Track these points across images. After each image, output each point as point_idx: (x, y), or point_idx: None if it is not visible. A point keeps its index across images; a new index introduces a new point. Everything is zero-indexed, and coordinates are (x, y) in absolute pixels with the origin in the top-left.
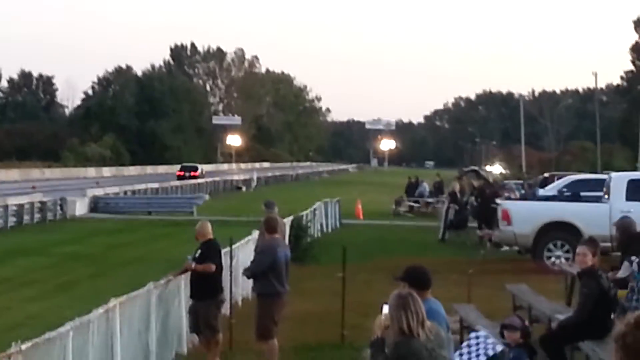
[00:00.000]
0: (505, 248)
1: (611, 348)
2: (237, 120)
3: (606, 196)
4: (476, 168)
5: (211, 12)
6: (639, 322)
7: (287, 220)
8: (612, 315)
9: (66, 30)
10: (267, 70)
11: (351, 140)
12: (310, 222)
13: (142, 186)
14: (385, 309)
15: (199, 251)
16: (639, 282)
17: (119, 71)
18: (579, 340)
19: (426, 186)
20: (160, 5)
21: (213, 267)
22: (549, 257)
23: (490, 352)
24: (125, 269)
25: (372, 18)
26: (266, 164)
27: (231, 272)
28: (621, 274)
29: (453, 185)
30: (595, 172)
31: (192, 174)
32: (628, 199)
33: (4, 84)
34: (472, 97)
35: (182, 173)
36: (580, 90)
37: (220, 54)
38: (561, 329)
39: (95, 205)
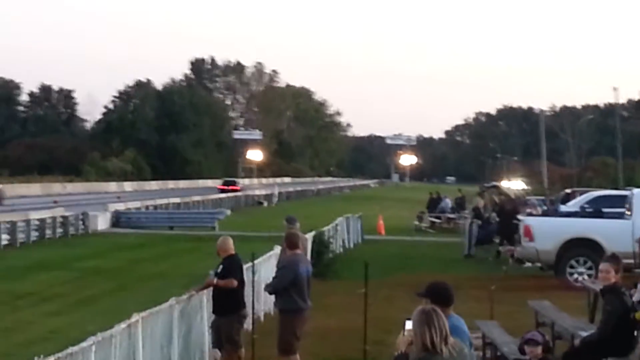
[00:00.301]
0: (528, 264)
1: None
2: (257, 134)
3: (628, 212)
4: (497, 184)
5: (231, 26)
6: None
7: (309, 236)
8: (636, 333)
9: (86, 44)
10: (287, 85)
11: (372, 155)
12: (332, 237)
13: (164, 201)
14: (408, 324)
15: (221, 266)
16: None
17: (139, 85)
18: (601, 357)
19: (449, 202)
20: (180, 19)
21: (235, 283)
22: (572, 274)
23: None
24: (147, 284)
25: (392, 33)
26: (287, 179)
27: (253, 287)
28: (636, 297)
29: (477, 201)
30: (617, 188)
31: (232, 187)
32: None
33: (25, 97)
34: (493, 112)
35: (224, 187)
36: (601, 105)
37: (239, 67)
38: (584, 346)
39: (117, 220)
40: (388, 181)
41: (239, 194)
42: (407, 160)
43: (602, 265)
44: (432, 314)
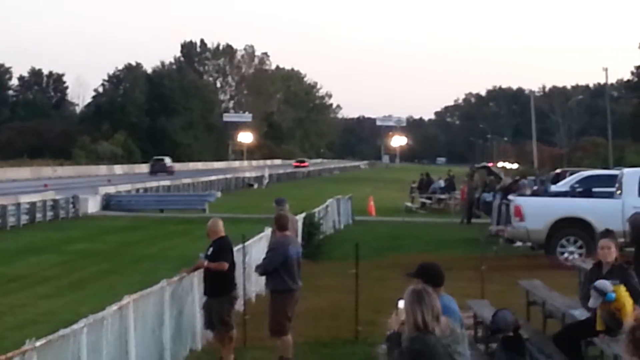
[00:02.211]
0: (518, 244)
1: None
2: (247, 117)
3: (618, 192)
4: (488, 164)
5: (221, 8)
6: None
7: (300, 218)
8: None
9: (76, 28)
10: (277, 67)
11: (362, 136)
12: (322, 219)
13: (154, 183)
14: (401, 304)
15: (211, 249)
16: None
17: (129, 68)
18: (595, 335)
19: (441, 182)
20: (170, 2)
21: (226, 266)
22: (562, 253)
23: None
24: (138, 266)
25: (382, 15)
26: (278, 161)
27: (244, 268)
28: (592, 302)
29: (505, 181)
30: (607, 168)
31: (303, 164)
32: None
33: (15, 82)
34: (483, 93)
35: (297, 164)
36: (591, 85)
37: (230, 50)
38: (577, 325)
39: (108, 203)
40: (378, 162)
41: (229, 176)
42: (397, 141)
43: (604, 242)
44: (423, 293)
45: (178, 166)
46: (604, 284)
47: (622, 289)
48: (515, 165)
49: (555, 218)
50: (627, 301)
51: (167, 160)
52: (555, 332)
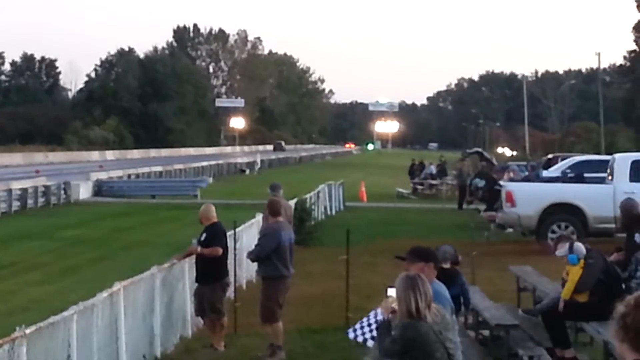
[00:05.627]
0: (509, 230)
1: None
2: (240, 102)
3: (610, 177)
4: (480, 150)
5: None
6: (638, 303)
7: (291, 203)
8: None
9: (69, 13)
10: (270, 52)
11: (354, 122)
12: (314, 204)
13: (146, 169)
14: (390, 292)
15: (204, 235)
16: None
17: (121, 53)
18: (582, 319)
19: (433, 168)
20: None
21: (220, 251)
22: (553, 239)
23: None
24: (129, 253)
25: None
26: (269, 147)
27: (235, 255)
28: (558, 252)
29: (481, 166)
30: (599, 153)
31: (350, 145)
32: (632, 180)
33: (7, 67)
34: (475, 78)
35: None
36: (584, 70)
37: (222, 35)
38: (567, 306)
39: (99, 189)
40: (370, 147)
41: (220, 161)
42: (390, 127)
43: None
44: (417, 279)
45: (169, 152)
46: (580, 247)
47: (579, 266)
48: (514, 152)
49: (546, 203)
50: (573, 280)
51: (283, 143)
52: (545, 309)
